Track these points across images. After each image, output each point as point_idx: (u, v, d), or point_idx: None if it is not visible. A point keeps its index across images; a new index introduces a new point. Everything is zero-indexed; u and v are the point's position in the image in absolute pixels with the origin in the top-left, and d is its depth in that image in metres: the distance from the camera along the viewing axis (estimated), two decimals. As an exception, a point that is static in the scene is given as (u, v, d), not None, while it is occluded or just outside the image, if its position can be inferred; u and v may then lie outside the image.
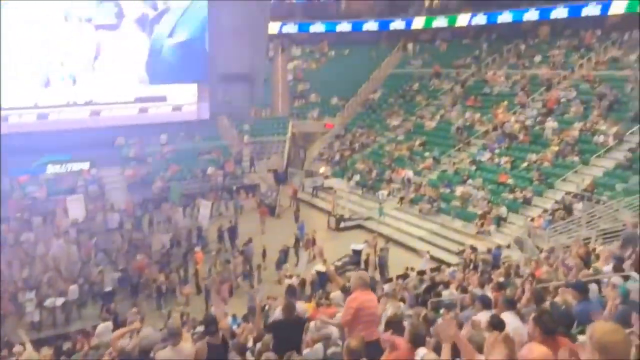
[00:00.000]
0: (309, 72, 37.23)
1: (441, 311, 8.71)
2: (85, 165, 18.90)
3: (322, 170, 27.82)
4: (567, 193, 18.93)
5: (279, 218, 23.90)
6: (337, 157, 29.06)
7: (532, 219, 18.45)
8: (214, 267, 17.60)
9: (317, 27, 38.86)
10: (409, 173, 24.30)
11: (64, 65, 15.08)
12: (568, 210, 17.89)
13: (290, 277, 16.27)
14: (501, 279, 10.39)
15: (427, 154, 25.66)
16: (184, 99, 17.05)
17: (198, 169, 27.24)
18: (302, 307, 8.01)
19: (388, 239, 19.77)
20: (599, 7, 26.80)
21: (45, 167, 17.07)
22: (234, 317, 13.02)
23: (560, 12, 28.60)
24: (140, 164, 26.98)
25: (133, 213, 22.34)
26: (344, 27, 38.26)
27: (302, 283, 15.73)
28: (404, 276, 14.78)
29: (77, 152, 18.24)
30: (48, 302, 15.25)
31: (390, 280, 14.89)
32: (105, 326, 8.31)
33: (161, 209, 23.05)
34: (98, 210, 22.20)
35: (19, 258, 18.00)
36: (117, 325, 10.78)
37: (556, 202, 18.88)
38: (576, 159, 20.41)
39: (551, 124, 22.79)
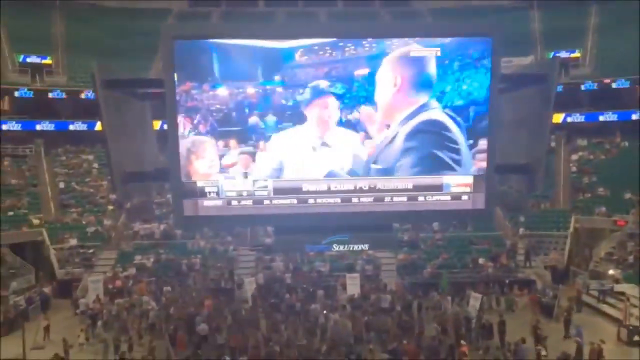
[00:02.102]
0: (597, 164, 34.21)
1: None
2: (365, 247, 20.39)
3: (611, 272, 24.60)
4: None
5: (556, 321, 21.67)
6: (630, 259, 25.44)
7: None
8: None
9: (608, 117, 35.96)
10: None
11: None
12: None
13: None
14: None
15: None
16: (459, 189, 17.27)
17: (469, 258, 26.94)
18: None
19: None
20: None
21: (332, 246, 18.87)
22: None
23: None
24: (412, 249, 28.02)
25: (403, 296, 22.96)
26: (642, 115, 34.56)
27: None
28: None
29: (358, 234, 19.79)
30: (324, 371, 16.32)
31: None
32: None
33: (430, 296, 23.22)
34: (372, 289, 23.51)
35: (304, 326, 19.99)
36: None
37: None
38: None
39: None
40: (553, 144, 33.46)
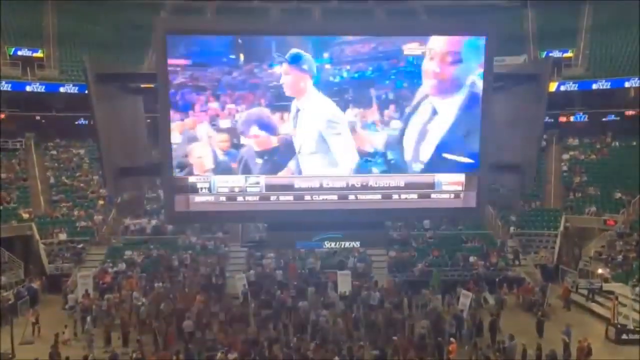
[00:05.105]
0: (588, 164, 34.36)
1: None
2: (356, 244, 20.50)
3: (600, 271, 24.78)
4: None
5: (547, 319, 21.74)
6: (619, 259, 25.64)
7: None
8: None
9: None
10: None
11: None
12: None
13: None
14: None
15: None
16: (450, 187, 17.28)
17: (460, 256, 27.03)
18: None
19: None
20: None
21: (323, 243, 18.83)
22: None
23: None
24: (403, 246, 28.06)
25: (394, 293, 22.99)
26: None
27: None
28: None
29: (349, 231, 19.86)
30: (314, 368, 16.30)
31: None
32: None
33: (421, 293, 23.28)
34: (363, 286, 23.51)
35: (294, 323, 19.97)
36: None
37: None
38: None
39: None
40: (544, 143, 33.60)
